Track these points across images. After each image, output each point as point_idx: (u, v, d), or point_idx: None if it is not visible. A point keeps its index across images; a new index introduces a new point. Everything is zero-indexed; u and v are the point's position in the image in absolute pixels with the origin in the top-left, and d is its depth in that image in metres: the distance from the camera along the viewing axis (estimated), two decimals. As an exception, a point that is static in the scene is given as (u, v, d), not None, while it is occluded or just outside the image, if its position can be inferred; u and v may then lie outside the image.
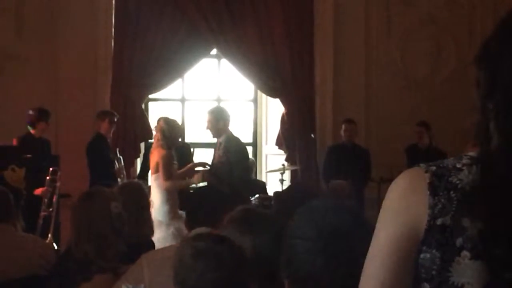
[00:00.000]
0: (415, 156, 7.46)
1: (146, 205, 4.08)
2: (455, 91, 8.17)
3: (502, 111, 1.12)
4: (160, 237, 5.30)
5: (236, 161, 6.14)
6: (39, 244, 3.81)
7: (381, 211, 1.22)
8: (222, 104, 8.87)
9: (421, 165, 1.21)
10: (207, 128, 6.30)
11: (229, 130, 6.37)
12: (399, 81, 8.47)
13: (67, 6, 7.78)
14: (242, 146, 6.52)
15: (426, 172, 1.18)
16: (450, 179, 1.16)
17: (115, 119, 7.25)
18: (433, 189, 1.16)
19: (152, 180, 6.25)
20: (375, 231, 1.22)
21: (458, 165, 1.18)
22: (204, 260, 2.09)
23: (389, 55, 8.46)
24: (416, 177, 1.19)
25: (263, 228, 2.28)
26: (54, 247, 5.57)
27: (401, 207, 1.18)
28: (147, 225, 3.95)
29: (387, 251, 1.17)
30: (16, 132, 6.82)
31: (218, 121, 6.23)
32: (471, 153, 1.19)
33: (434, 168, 1.19)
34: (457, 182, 1.15)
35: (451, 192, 1.15)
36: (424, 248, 1.15)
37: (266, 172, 8.67)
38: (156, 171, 6.16)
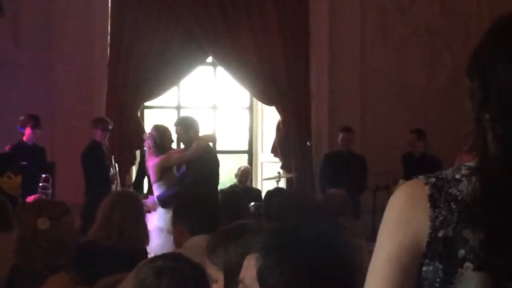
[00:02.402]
0: (410, 164, 7.47)
1: (142, 214, 4.08)
2: (451, 99, 8.19)
3: (499, 121, 1.12)
4: (160, 244, 5.29)
5: (200, 169, 6.10)
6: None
7: (382, 224, 1.22)
8: (218, 112, 8.90)
9: (420, 177, 1.21)
10: (178, 139, 6.30)
11: (199, 137, 6.33)
12: (395, 88, 8.49)
13: (64, 13, 7.78)
14: (212, 154, 6.48)
15: (425, 184, 1.18)
16: (450, 190, 1.16)
17: (110, 127, 7.24)
18: (434, 201, 1.16)
19: (154, 188, 6.24)
20: (376, 244, 1.21)
21: (457, 176, 1.18)
22: (168, 277, 2.13)
23: (385, 63, 8.48)
24: (416, 190, 1.19)
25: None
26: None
27: (402, 221, 1.18)
28: (143, 234, 3.95)
29: (389, 265, 1.17)
30: (12, 139, 6.80)
31: (188, 131, 6.22)
32: (470, 163, 1.19)
33: (433, 179, 1.18)
34: (457, 193, 1.15)
35: (452, 204, 1.15)
36: (427, 260, 1.15)
37: (262, 179, 8.67)
38: (157, 179, 6.15)
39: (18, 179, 5.70)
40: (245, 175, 8.31)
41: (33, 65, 7.65)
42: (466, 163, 1.20)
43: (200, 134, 6.36)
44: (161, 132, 6.27)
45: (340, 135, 7.74)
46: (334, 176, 7.39)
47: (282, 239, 1.54)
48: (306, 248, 1.51)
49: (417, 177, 1.21)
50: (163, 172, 6.13)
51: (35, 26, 7.72)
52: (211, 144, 6.56)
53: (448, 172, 1.20)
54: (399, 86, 8.51)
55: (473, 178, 1.15)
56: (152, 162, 6.19)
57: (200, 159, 6.10)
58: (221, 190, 8.20)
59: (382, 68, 8.48)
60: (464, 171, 1.18)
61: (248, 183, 8.46)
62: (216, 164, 6.41)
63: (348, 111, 8.36)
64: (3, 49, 7.62)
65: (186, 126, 6.24)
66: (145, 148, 6.42)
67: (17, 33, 7.69)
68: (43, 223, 2.95)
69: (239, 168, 8.47)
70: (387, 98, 8.43)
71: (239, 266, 2.04)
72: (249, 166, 8.71)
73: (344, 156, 7.71)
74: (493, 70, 1.15)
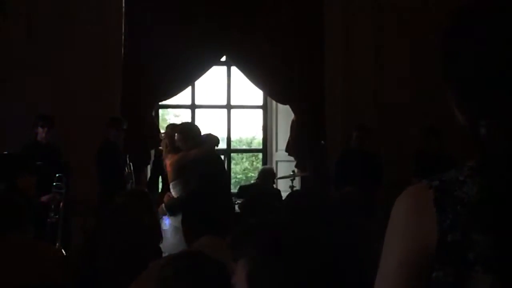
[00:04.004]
0: (423, 162, 7.40)
1: (154, 212, 4.10)
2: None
3: (500, 125, 1.11)
4: (175, 243, 5.30)
5: (204, 172, 6.10)
6: (50, 251, 3.83)
7: (388, 230, 1.20)
8: (232, 111, 8.90)
9: (424, 180, 1.19)
10: (180, 146, 6.31)
11: (200, 145, 6.32)
12: (410, 86, 8.42)
13: (78, 12, 7.80)
14: (215, 158, 6.44)
15: (430, 188, 1.16)
16: (455, 193, 1.14)
17: (124, 126, 7.26)
18: (439, 205, 1.14)
19: (171, 187, 6.26)
20: (384, 250, 1.19)
21: (461, 178, 1.16)
22: (188, 278, 2.10)
23: (400, 60, 8.41)
24: (420, 195, 1.17)
25: None
26: (63, 253, 5.57)
27: (408, 227, 1.16)
28: (156, 233, 3.96)
29: (399, 272, 1.15)
30: (25, 139, 6.82)
31: (186, 141, 6.24)
32: (471, 164, 1.17)
33: (437, 183, 1.17)
34: (463, 196, 1.13)
35: (458, 207, 1.13)
36: (437, 265, 1.13)
37: (276, 178, 8.65)
38: (174, 178, 6.17)
39: (34, 180, 5.73)
40: (264, 176, 8.19)
41: (47, 65, 7.67)
42: (468, 163, 1.18)
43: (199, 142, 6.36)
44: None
45: (355, 133, 7.71)
46: (349, 175, 7.35)
47: (274, 242, 1.48)
48: (302, 249, 1.47)
49: (420, 181, 1.19)
50: (180, 171, 6.14)
51: (49, 25, 7.74)
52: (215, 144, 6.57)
53: (451, 174, 1.18)
54: (414, 83, 8.44)
55: (477, 179, 1.13)
56: (169, 161, 6.22)
57: (203, 163, 6.12)
58: (241, 186, 8.25)
59: (397, 65, 8.41)
60: (467, 172, 1.16)
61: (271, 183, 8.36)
62: (219, 167, 6.42)
63: (363, 109, 8.31)
64: (16, 48, 7.65)
65: (185, 136, 6.25)
66: (161, 147, 6.46)
67: (31, 32, 7.71)
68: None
69: (261, 169, 8.49)
70: (402, 95, 8.36)
71: None
72: (271, 167, 8.63)
73: (360, 155, 7.67)
74: (483, 78, 1.13)
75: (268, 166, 8.72)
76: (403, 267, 1.15)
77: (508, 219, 1.08)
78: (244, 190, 8.08)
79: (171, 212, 5.94)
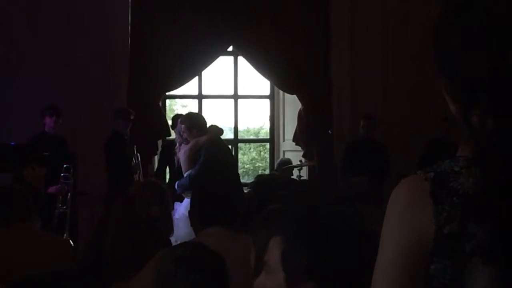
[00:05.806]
0: (434, 150, 7.36)
1: (168, 203, 4.10)
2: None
3: (492, 114, 1.10)
4: (187, 233, 5.31)
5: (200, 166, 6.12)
6: (58, 241, 3.84)
7: (384, 224, 1.19)
8: (239, 101, 8.89)
9: (419, 172, 1.18)
10: (185, 137, 6.32)
11: (204, 135, 6.32)
12: (417, 75, 8.37)
13: (84, 2, 7.79)
14: (220, 149, 6.46)
15: (425, 180, 1.15)
16: (451, 184, 1.13)
17: (131, 117, 7.25)
18: (436, 197, 1.13)
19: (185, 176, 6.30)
20: (380, 244, 1.19)
21: (456, 168, 1.14)
22: (185, 265, 2.14)
23: (406, 49, 8.37)
24: (416, 187, 1.16)
25: None
26: (71, 244, 5.58)
27: (404, 220, 1.15)
28: (166, 225, 3.96)
29: (396, 265, 1.15)
30: (33, 130, 6.83)
31: (191, 131, 6.25)
32: (467, 154, 1.15)
33: (432, 174, 1.15)
34: (459, 187, 1.12)
35: (454, 198, 1.12)
36: (435, 258, 1.12)
37: (283, 168, 8.64)
38: (189, 166, 6.19)
39: (42, 171, 5.74)
40: (281, 167, 8.18)
41: (53, 56, 7.66)
42: (462, 153, 1.16)
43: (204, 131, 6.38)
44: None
45: (361, 123, 7.71)
46: (356, 164, 7.35)
47: (307, 223, 1.54)
48: (332, 231, 1.52)
49: (415, 173, 1.18)
50: (193, 158, 6.17)
51: (55, 15, 7.72)
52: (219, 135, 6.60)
53: (446, 165, 1.16)
54: (421, 72, 8.39)
55: (472, 170, 1.12)
56: (183, 149, 6.25)
57: (213, 149, 6.14)
58: (258, 175, 8.27)
59: (404, 55, 8.37)
60: (462, 163, 1.15)
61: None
62: (227, 156, 6.44)
63: (370, 98, 8.28)
64: (22, 40, 7.64)
65: (190, 125, 6.27)
66: (176, 135, 6.50)
67: (36, 23, 7.69)
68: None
69: (279, 160, 8.48)
70: (409, 84, 8.33)
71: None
72: (288, 158, 8.60)
73: (367, 145, 7.67)
74: (477, 67, 1.12)
75: (286, 157, 8.69)
76: (400, 260, 1.14)
77: (505, 209, 1.07)
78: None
79: (181, 189, 6.02)
